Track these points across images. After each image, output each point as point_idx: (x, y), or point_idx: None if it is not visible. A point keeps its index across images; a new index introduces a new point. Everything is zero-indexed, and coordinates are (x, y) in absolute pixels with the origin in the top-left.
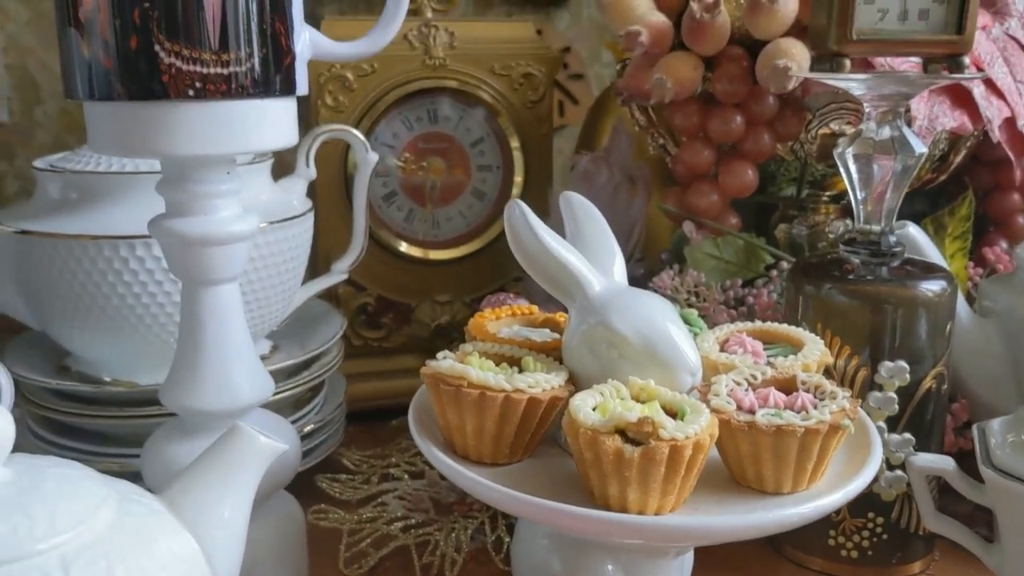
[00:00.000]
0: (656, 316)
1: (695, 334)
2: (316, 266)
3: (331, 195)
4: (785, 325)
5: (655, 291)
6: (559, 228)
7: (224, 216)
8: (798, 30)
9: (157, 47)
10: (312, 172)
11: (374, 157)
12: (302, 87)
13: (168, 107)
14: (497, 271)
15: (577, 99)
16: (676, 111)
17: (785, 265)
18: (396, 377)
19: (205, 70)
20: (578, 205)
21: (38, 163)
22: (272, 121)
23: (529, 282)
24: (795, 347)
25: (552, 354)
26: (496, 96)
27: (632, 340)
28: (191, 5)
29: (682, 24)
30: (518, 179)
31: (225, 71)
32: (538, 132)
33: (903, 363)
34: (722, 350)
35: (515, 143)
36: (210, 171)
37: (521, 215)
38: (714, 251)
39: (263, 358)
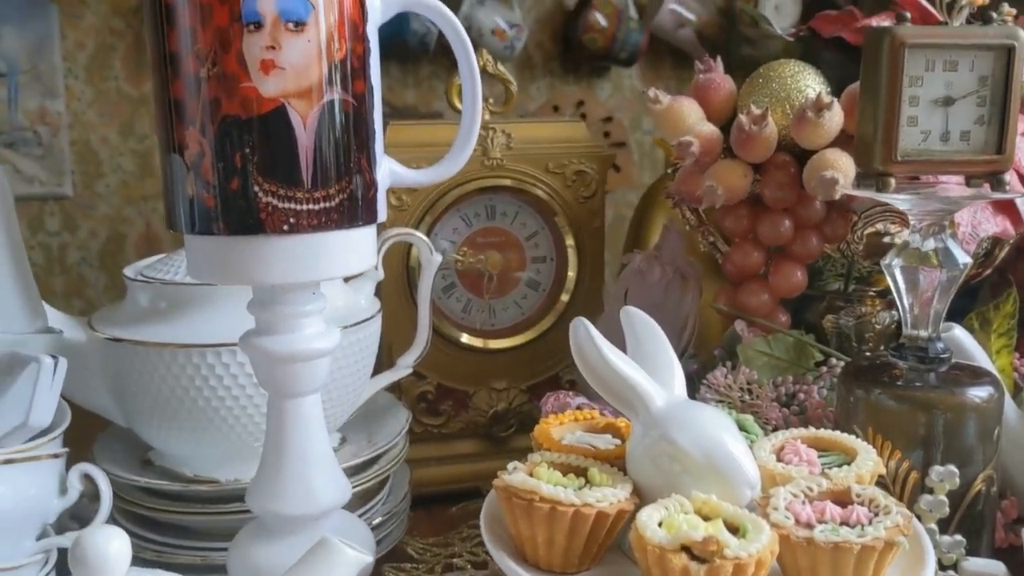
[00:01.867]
0: (716, 430)
1: (751, 441)
2: (380, 356)
3: (394, 288)
4: (838, 433)
5: (708, 388)
6: (613, 321)
7: (309, 334)
8: (843, 139)
9: (256, 187)
10: (380, 273)
11: (438, 258)
12: (382, 214)
13: (264, 241)
14: (551, 359)
15: (619, 167)
16: (726, 214)
17: (834, 361)
18: (455, 462)
19: (298, 207)
20: (638, 320)
21: (128, 271)
22: (356, 247)
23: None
24: (848, 455)
25: (616, 463)
26: (550, 192)
27: (694, 455)
28: (287, 149)
29: (731, 134)
30: (571, 274)
31: (316, 207)
32: (590, 226)
33: (953, 467)
34: (778, 458)
35: (568, 236)
36: (297, 294)
37: (586, 333)
38: (765, 349)
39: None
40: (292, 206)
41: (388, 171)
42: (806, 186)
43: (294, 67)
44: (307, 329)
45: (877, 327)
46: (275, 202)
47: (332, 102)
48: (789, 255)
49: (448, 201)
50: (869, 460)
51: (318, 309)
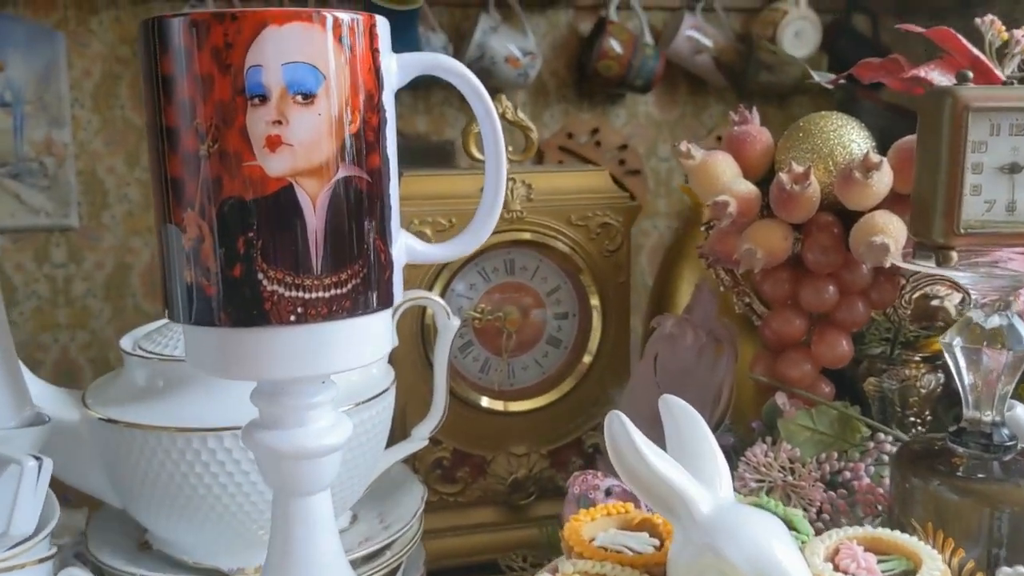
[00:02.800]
0: (768, 541)
1: (802, 542)
2: (394, 419)
3: (408, 348)
4: (897, 533)
5: (747, 465)
6: (644, 394)
7: (318, 427)
8: (892, 198)
9: (260, 275)
10: (395, 341)
11: (455, 323)
12: (398, 296)
13: (269, 332)
14: (573, 422)
15: (635, 196)
16: (765, 278)
17: (883, 436)
18: (472, 532)
19: (307, 295)
20: (679, 411)
21: (125, 343)
22: (370, 334)
23: None
24: (910, 559)
25: (655, 570)
26: (573, 245)
27: (744, 571)
28: (295, 233)
29: (771, 193)
30: (595, 332)
31: (326, 294)
32: (615, 281)
33: (1021, 568)
34: (834, 565)
35: (592, 291)
36: (305, 384)
37: (622, 428)
38: (808, 423)
39: (343, 531)
40: (300, 294)
41: (404, 247)
42: (853, 251)
43: (303, 143)
44: (315, 423)
45: (922, 391)
46: (281, 290)
47: (345, 180)
48: (833, 322)
49: (466, 256)
50: (936, 570)
51: (328, 399)
